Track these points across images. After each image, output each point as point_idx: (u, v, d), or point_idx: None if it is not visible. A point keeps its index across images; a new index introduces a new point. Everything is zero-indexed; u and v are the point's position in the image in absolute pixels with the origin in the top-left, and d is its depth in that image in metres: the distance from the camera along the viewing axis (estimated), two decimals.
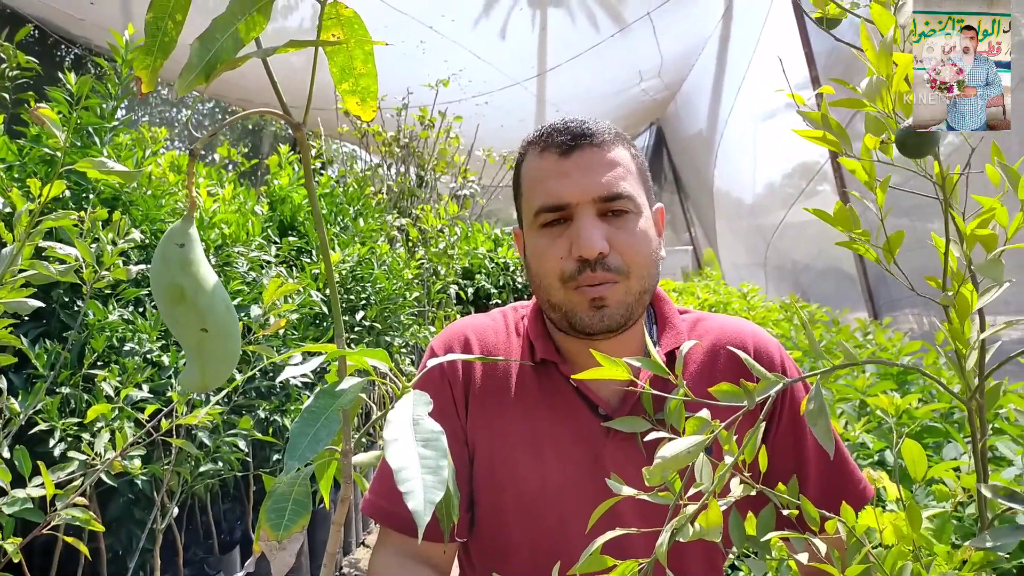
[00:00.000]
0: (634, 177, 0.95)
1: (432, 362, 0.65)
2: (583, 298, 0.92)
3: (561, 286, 0.93)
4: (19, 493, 0.96)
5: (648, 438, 0.67)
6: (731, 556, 1.40)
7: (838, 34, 0.70)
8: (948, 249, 0.59)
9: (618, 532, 0.59)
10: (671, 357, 0.99)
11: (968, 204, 0.60)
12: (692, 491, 0.60)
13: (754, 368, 0.56)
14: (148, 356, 1.52)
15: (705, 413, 0.59)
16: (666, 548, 0.53)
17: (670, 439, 0.64)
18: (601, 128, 0.94)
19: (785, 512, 0.67)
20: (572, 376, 0.81)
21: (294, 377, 1.89)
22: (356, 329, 2.51)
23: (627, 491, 0.63)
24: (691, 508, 0.60)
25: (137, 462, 1.17)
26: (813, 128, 0.57)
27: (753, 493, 0.64)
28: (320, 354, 0.58)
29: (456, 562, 1.10)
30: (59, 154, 1.49)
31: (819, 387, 0.52)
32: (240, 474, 1.82)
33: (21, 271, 1.00)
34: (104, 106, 1.69)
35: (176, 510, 1.53)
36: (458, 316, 3.70)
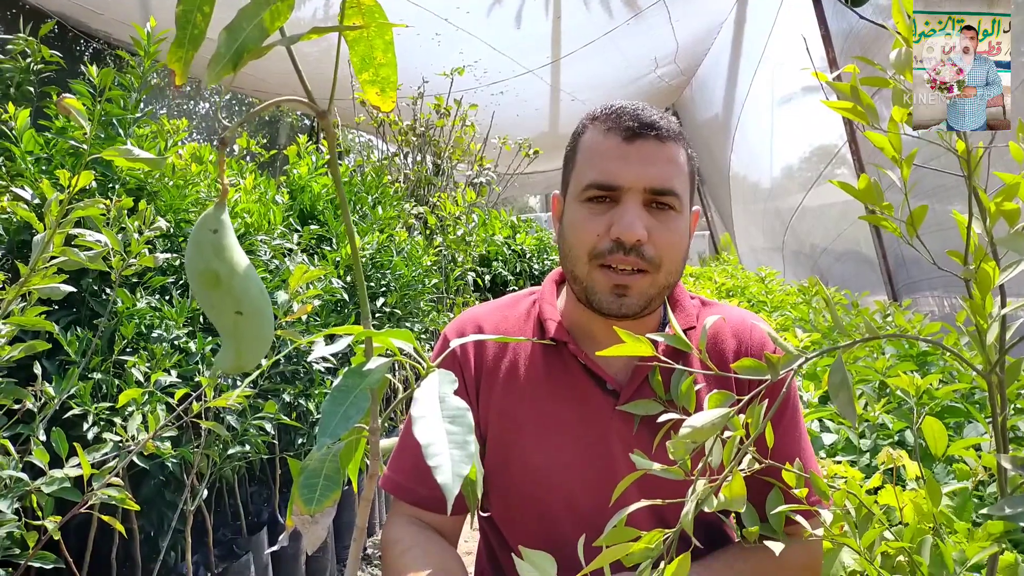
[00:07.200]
0: (685, 177, 0.98)
1: (453, 343, 0.67)
2: (607, 280, 0.95)
3: (588, 261, 0.96)
4: (57, 473, 0.99)
5: (661, 419, 0.69)
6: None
7: (861, 13, 0.70)
8: (971, 224, 0.59)
9: (643, 503, 0.60)
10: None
11: (991, 182, 0.60)
12: (701, 464, 0.61)
13: (779, 343, 0.57)
14: (175, 342, 1.55)
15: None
16: (691, 517, 0.55)
17: (680, 419, 0.65)
18: (666, 123, 0.97)
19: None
20: (596, 352, 0.82)
21: (318, 362, 1.92)
22: (377, 315, 2.53)
23: (655, 467, 0.64)
24: (701, 482, 0.61)
25: (168, 444, 1.20)
26: (842, 100, 0.57)
27: (757, 467, 0.66)
28: (347, 335, 0.60)
29: (480, 533, 1.14)
30: (85, 145, 1.52)
31: (840, 360, 0.53)
32: (266, 457, 1.86)
33: (52, 258, 1.02)
34: (127, 98, 1.71)
35: (205, 492, 1.57)
36: (476, 303, 3.72)
